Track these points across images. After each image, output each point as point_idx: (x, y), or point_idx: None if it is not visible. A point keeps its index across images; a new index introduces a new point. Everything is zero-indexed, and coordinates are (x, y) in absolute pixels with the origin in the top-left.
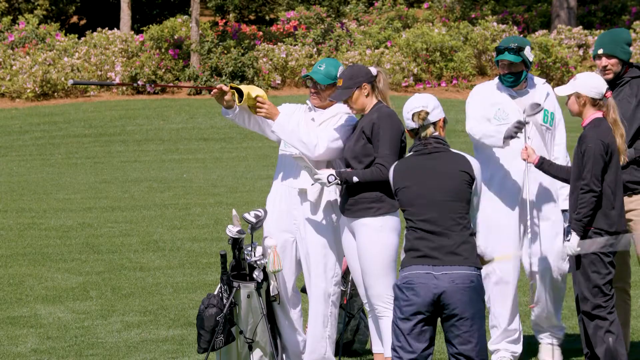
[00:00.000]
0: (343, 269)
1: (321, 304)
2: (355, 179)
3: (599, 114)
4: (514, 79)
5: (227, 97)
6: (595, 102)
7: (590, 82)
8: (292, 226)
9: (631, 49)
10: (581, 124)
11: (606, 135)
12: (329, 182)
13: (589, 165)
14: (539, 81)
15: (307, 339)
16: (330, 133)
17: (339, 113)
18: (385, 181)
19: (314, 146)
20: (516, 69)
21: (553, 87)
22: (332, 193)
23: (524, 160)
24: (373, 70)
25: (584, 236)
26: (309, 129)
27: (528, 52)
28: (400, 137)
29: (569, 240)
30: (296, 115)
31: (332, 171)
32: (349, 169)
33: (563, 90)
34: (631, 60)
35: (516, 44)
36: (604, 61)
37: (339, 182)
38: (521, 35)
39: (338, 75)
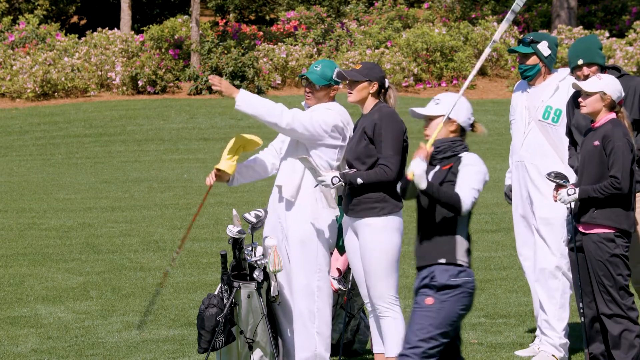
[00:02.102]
0: (344, 268)
1: (303, 299)
2: (359, 180)
3: (614, 115)
4: (523, 70)
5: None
6: (614, 105)
7: (616, 84)
8: (278, 224)
9: (631, 49)
10: (593, 124)
11: (629, 134)
12: (333, 184)
13: (619, 163)
14: (558, 77)
15: (295, 336)
16: (305, 112)
17: (323, 107)
18: (389, 181)
19: (280, 112)
20: (528, 61)
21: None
22: (310, 188)
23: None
24: (387, 81)
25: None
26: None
27: (543, 47)
28: (402, 137)
29: (568, 195)
30: None
31: (337, 173)
32: (352, 170)
33: (591, 86)
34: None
35: (531, 37)
36: (585, 70)
37: (343, 184)
38: (522, 35)
39: (359, 62)
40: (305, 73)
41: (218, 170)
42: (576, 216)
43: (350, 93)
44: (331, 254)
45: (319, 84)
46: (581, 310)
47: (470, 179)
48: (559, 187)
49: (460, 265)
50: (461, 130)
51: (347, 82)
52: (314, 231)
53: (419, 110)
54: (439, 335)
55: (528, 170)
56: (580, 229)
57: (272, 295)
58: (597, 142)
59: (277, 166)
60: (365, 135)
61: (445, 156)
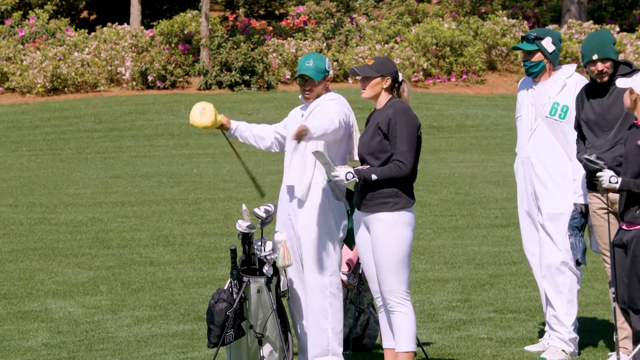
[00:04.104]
0: (354, 263)
1: (317, 296)
2: (373, 176)
3: None
4: (528, 67)
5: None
6: None
7: None
8: (288, 221)
9: None
10: (637, 121)
11: None
12: (347, 180)
13: None
14: (565, 73)
15: (308, 332)
16: (320, 114)
17: (326, 101)
18: (402, 177)
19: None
20: (533, 57)
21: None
22: (319, 184)
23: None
24: (400, 76)
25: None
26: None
27: (547, 43)
28: (416, 133)
29: (610, 181)
30: (294, 117)
31: (350, 169)
32: (366, 166)
33: (624, 82)
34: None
35: (535, 34)
36: (600, 66)
37: (358, 179)
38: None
39: (372, 58)
40: (301, 71)
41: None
42: (622, 214)
43: (364, 89)
44: (341, 247)
45: (317, 79)
46: (613, 295)
47: None
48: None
49: None
50: None
51: (360, 78)
52: (325, 227)
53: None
54: None
55: (534, 166)
56: (623, 226)
57: (281, 290)
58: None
59: (273, 147)
60: (380, 130)
61: None
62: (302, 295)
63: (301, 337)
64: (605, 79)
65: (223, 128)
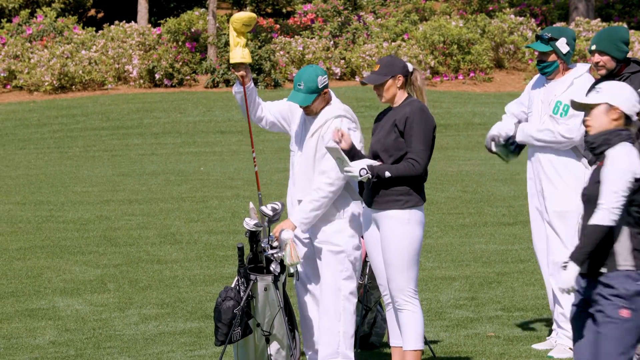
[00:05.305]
0: (361, 260)
1: (330, 298)
2: (387, 174)
3: None
4: (541, 67)
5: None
6: None
7: None
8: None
9: None
10: None
11: None
12: (361, 176)
13: None
14: (576, 73)
15: (320, 332)
16: (325, 168)
17: (328, 120)
18: (415, 176)
19: (328, 192)
20: (546, 57)
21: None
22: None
23: None
24: (409, 66)
25: None
26: (308, 193)
27: (562, 43)
28: (432, 132)
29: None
30: (296, 115)
31: (364, 165)
32: (379, 163)
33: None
34: None
35: (549, 34)
36: (597, 57)
37: (371, 176)
38: (540, 28)
39: (376, 62)
40: (290, 99)
41: (234, 65)
42: None
43: (380, 95)
44: (360, 250)
45: (308, 103)
46: None
47: (610, 186)
48: None
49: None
50: (626, 120)
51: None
52: (341, 231)
53: (579, 99)
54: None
55: (542, 164)
56: None
57: (290, 272)
58: None
59: (264, 120)
60: (396, 128)
61: (601, 150)
62: (317, 295)
63: (312, 335)
64: (602, 72)
65: (243, 73)
